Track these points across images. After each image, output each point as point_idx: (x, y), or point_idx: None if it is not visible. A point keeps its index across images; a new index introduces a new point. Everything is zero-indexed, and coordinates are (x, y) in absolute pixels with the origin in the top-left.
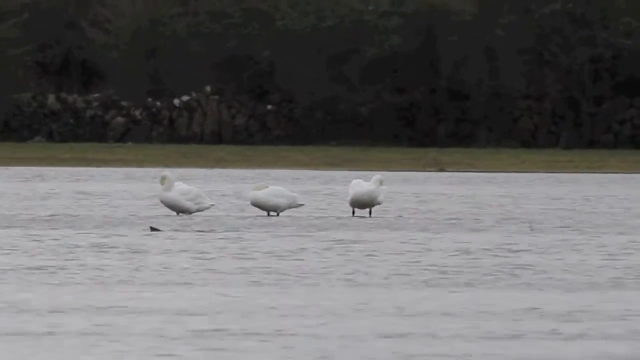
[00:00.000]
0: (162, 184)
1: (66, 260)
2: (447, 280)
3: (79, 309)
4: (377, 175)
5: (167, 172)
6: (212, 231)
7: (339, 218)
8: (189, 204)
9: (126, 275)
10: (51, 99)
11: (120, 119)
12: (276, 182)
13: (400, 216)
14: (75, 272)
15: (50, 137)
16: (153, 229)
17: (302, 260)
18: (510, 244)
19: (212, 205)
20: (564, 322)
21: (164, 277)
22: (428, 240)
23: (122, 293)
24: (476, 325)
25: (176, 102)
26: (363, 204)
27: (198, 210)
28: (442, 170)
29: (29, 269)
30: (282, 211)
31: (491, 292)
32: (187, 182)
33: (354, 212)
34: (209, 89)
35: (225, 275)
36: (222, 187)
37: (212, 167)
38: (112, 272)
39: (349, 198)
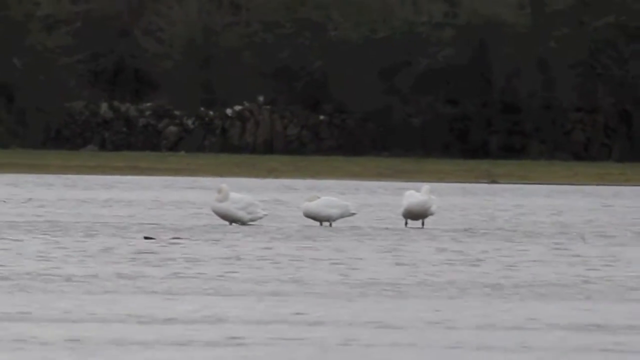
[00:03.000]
0: (219, 194)
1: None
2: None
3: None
4: (426, 186)
5: (224, 184)
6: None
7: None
8: (240, 213)
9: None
10: (103, 107)
11: (172, 128)
12: (328, 192)
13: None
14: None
15: (103, 146)
16: (146, 238)
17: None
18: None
19: (265, 215)
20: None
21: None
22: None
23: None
24: None
25: (228, 111)
26: (416, 214)
27: (251, 220)
28: (494, 181)
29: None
30: (334, 221)
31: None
32: (241, 192)
33: (406, 223)
34: (261, 98)
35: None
36: (275, 196)
37: (264, 177)
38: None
39: (402, 209)
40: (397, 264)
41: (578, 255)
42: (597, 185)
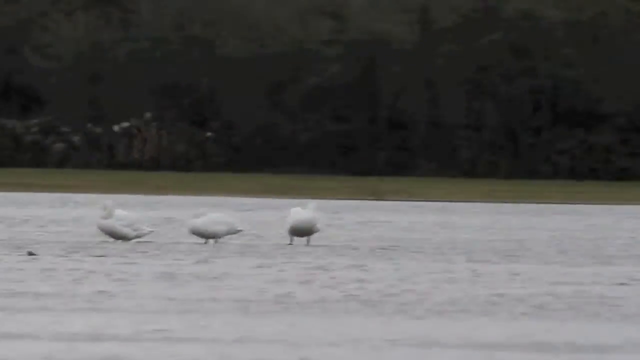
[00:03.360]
0: (103, 211)
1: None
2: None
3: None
4: (312, 203)
5: (109, 200)
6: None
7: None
8: (126, 230)
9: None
10: None
11: (59, 145)
12: (216, 209)
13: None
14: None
15: None
16: (30, 253)
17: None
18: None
19: (151, 231)
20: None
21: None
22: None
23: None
24: None
25: (115, 128)
26: (302, 231)
27: (136, 237)
28: (380, 198)
29: None
30: (220, 238)
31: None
32: (127, 209)
33: (291, 240)
34: (148, 115)
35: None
36: (163, 214)
37: (153, 193)
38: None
39: (288, 226)
40: (267, 281)
41: (448, 271)
42: (485, 202)
